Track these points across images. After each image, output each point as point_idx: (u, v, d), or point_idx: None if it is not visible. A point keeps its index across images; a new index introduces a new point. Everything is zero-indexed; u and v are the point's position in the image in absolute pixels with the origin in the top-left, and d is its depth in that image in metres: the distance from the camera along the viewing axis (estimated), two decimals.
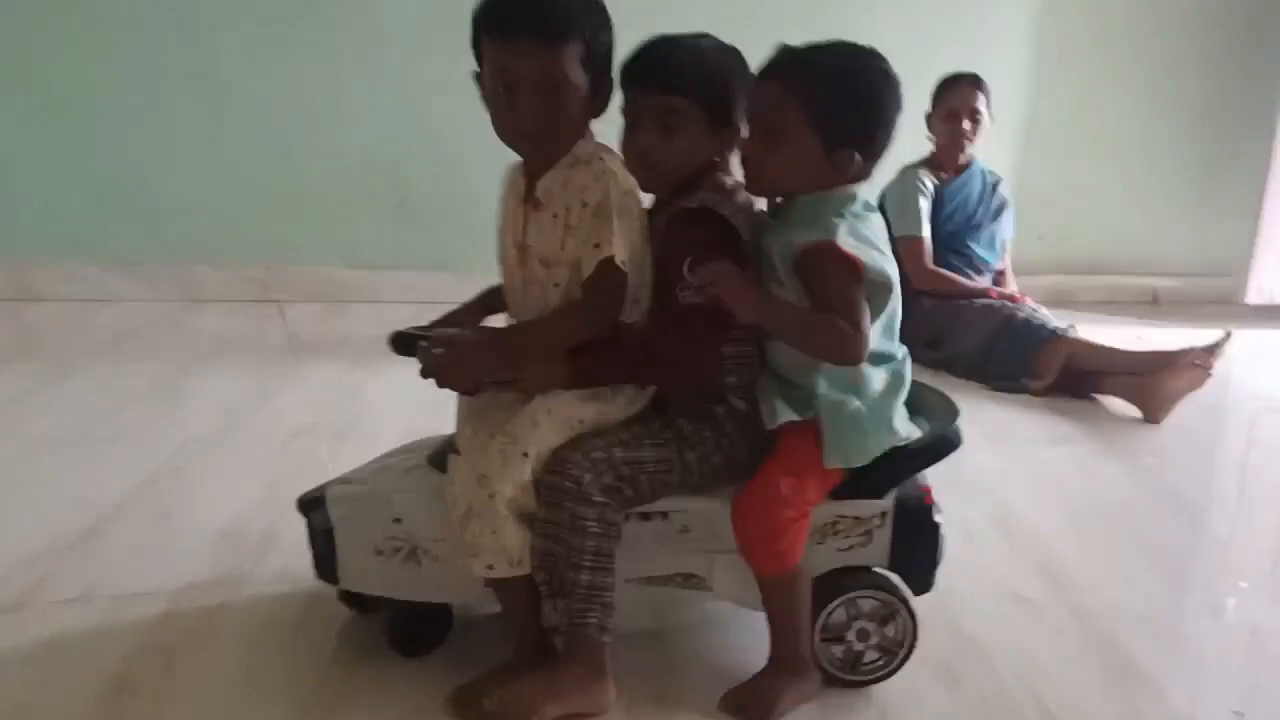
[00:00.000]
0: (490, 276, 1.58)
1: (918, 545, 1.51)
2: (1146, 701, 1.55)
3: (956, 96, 3.46)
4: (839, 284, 1.37)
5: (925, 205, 3.49)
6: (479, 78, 1.40)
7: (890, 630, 1.51)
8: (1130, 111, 4.52)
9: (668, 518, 1.47)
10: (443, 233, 3.90)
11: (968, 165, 3.57)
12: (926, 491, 1.53)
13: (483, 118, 1.41)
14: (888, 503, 1.49)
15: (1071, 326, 3.12)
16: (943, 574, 1.49)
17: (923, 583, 1.53)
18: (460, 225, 3.49)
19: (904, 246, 3.51)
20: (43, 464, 2.26)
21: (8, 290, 3.68)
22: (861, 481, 1.47)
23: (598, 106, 1.41)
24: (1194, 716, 1.53)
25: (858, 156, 1.39)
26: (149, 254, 3.77)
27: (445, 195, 3.88)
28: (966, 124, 3.45)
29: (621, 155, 1.44)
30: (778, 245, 1.41)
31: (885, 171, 3.51)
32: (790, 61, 1.39)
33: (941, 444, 1.50)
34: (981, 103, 3.45)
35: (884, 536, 1.50)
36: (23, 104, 3.59)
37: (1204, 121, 4.60)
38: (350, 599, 1.61)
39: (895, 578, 1.52)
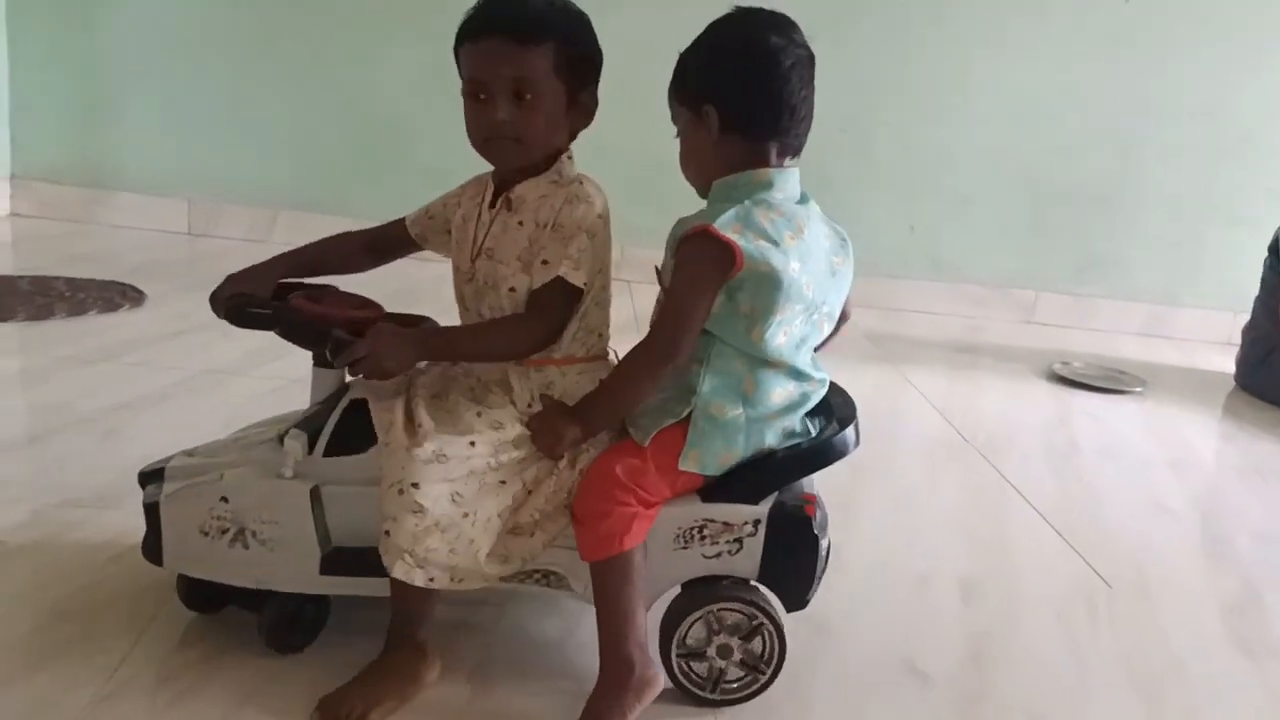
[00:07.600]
0: None
1: (793, 558, 1.36)
2: None
3: None
4: (687, 274, 1.27)
5: None
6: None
7: (755, 647, 1.36)
8: None
9: None
10: None
11: None
12: (810, 500, 1.36)
13: None
14: (762, 510, 1.34)
15: None
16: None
17: (797, 600, 1.38)
18: None
19: None
20: None
21: (262, 234, 4.18)
22: (735, 484, 1.33)
23: (578, 119, 1.37)
24: None
25: (713, 110, 1.30)
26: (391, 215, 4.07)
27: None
28: None
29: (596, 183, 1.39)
30: (672, 240, 1.32)
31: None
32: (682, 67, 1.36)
33: (828, 450, 1.36)
34: None
35: (756, 546, 1.34)
36: (309, 93, 4.14)
37: None
38: None
39: (768, 592, 1.37)
